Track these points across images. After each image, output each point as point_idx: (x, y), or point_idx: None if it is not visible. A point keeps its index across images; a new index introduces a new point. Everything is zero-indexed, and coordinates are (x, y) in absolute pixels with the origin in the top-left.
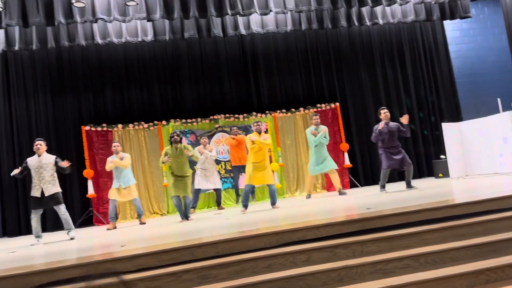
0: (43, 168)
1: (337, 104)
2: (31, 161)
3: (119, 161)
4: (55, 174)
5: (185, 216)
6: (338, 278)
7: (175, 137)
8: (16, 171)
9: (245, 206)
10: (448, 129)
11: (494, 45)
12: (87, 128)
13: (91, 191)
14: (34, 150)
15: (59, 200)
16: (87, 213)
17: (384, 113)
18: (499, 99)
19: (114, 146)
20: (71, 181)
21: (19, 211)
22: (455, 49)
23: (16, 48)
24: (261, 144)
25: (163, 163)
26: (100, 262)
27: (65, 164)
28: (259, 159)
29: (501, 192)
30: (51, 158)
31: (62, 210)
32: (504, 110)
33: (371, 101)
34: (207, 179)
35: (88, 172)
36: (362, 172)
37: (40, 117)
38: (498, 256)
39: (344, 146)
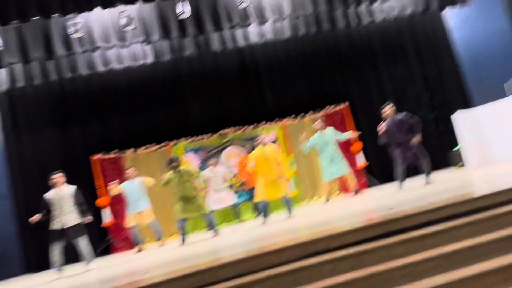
0: (63, 200)
1: (346, 104)
2: (49, 195)
3: (147, 180)
4: (75, 206)
5: (214, 231)
6: (368, 286)
7: (173, 163)
8: (36, 217)
9: (266, 217)
10: (459, 118)
11: (495, 29)
12: (97, 156)
13: (107, 219)
14: (50, 185)
15: (81, 231)
16: (106, 242)
17: (385, 110)
18: (505, 85)
19: (128, 173)
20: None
21: (41, 246)
22: (457, 36)
23: (20, 85)
24: (264, 158)
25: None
26: None
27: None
28: (268, 172)
29: None
30: (71, 188)
31: (84, 242)
32: (510, 94)
33: (379, 98)
34: (219, 199)
35: (102, 201)
36: (380, 170)
37: (50, 152)
38: None
39: (357, 146)
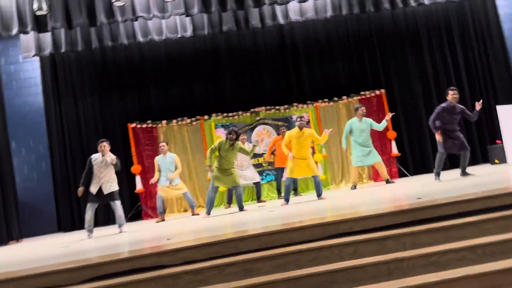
0: (106, 166)
1: (382, 90)
2: (95, 159)
3: (174, 175)
4: (114, 173)
5: (241, 207)
6: (388, 271)
7: (232, 135)
8: (81, 190)
9: (287, 200)
10: (503, 111)
11: None
12: (133, 125)
13: (139, 186)
14: (99, 150)
15: (116, 196)
16: (136, 207)
17: (452, 94)
18: None
19: (161, 146)
20: (120, 178)
21: (73, 207)
22: (509, 27)
23: (63, 50)
24: (299, 139)
25: (208, 166)
26: (146, 255)
27: (113, 160)
28: (301, 153)
29: None
30: (113, 157)
31: (118, 206)
32: None
33: (419, 86)
34: (243, 176)
35: (135, 168)
36: (412, 161)
37: (88, 117)
38: None
39: (391, 134)
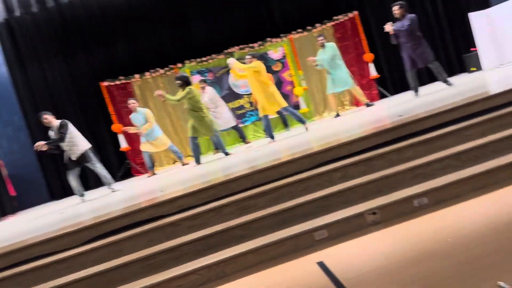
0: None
1: (355, 12)
2: (50, 132)
3: (140, 130)
4: (71, 138)
5: (225, 152)
6: (377, 189)
7: (178, 80)
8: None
9: (271, 137)
10: (476, 18)
11: None
12: (106, 83)
13: (123, 144)
14: (44, 124)
15: (87, 158)
16: (124, 165)
17: (394, 10)
18: None
19: (130, 104)
20: (103, 138)
21: (61, 174)
22: None
23: (17, 14)
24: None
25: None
26: (143, 209)
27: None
28: (261, 89)
29: None
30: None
31: (97, 166)
32: None
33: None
34: (218, 122)
35: (116, 127)
36: (391, 81)
37: (58, 81)
38: None
39: (368, 56)
